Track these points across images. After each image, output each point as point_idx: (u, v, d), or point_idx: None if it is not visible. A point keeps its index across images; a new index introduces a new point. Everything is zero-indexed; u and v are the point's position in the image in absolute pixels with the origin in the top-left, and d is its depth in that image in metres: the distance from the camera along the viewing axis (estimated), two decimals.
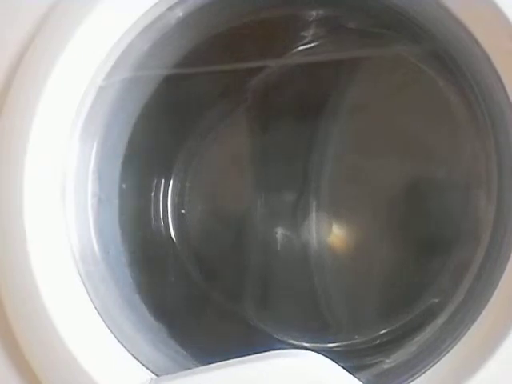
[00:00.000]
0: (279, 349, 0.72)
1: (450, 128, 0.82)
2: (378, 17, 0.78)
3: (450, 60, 0.68)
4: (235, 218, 0.93)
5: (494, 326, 0.61)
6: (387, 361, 0.69)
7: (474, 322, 0.62)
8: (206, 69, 0.81)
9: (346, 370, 0.63)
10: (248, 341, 0.85)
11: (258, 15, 0.81)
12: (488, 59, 0.62)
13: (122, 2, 0.69)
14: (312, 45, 0.88)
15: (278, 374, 0.61)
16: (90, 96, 0.71)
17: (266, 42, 0.84)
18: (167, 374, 0.68)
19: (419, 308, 0.82)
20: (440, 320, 0.68)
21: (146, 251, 0.86)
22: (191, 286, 0.91)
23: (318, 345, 0.86)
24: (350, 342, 0.85)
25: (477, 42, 0.62)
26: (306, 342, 0.86)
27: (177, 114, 0.88)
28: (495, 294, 0.61)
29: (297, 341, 0.87)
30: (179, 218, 0.92)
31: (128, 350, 0.69)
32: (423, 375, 0.63)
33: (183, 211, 0.92)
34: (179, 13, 0.72)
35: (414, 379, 0.63)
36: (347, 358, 0.76)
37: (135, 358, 0.69)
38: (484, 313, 0.62)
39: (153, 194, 0.91)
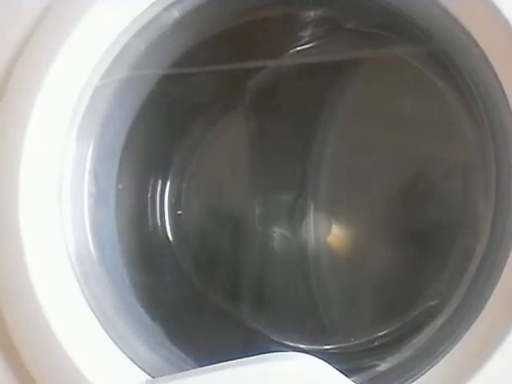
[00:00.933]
0: (275, 350, 0.72)
1: (448, 129, 0.82)
2: (376, 17, 0.78)
3: (448, 61, 0.68)
4: (232, 218, 0.93)
5: (491, 329, 0.60)
6: (383, 364, 0.68)
7: (471, 325, 0.61)
8: (202, 69, 0.80)
9: (342, 373, 0.62)
10: (244, 342, 0.85)
11: (255, 15, 0.81)
12: (486, 60, 0.62)
13: (119, 1, 0.69)
14: (310, 45, 0.87)
15: (273, 376, 0.61)
16: (86, 96, 0.71)
17: (263, 43, 0.84)
18: (162, 375, 0.68)
19: (416, 311, 0.82)
20: (437, 323, 0.68)
21: (142, 252, 0.85)
22: (188, 286, 0.91)
23: (314, 346, 0.86)
24: (346, 345, 0.85)
25: (475, 43, 0.62)
26: (303, 344, 0.86)
27: (174, 114, 0.88)
28: (492, 297, 0.61)
29: (293, 342, 0.87)
30: (176, 219, 0.92)
31: (123, 351, 0.69)
32: (419, 379, 0.63)
33: (180, 212, 0.92)
34: (176, 13, 0.72)
35: (410, 383, 0.63)
36: (343, 361, 0.76)
37: (131, 359, 0.69)
38: (481, 316, 0.61)
39: (149, 194, 0.91)
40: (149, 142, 0.86)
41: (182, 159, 0.92)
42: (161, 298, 0.84)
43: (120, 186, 0.81)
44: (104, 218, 0.77)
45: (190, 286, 0.91)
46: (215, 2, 0.73)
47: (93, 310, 0.69)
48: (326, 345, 0.86)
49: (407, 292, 0.85)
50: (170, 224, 0.92)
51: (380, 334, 0.84)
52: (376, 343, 0.84)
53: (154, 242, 0.90)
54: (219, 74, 0.83)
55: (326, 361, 0.63)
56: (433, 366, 0.63)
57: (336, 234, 0.92)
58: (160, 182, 0.92)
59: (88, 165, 0.74)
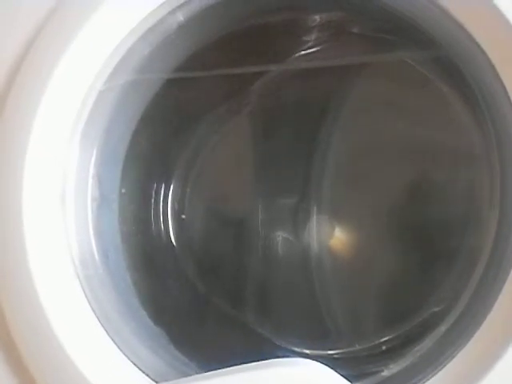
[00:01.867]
0: (279, 355, 0.72)
1: (452, 133, 0.82)
2: (381, 22, 0.78)
3: (453, 66, 0.67)
4: (236, 222, 0.93)
5: (496, 335, 0.60)
6: (387, 370, 0.68)
7: (475, 331, 0.61)
8: (207, 73, 0.80)
9: (346, 379, 0.62)
10: (248, 347, 0.85)
11: (259, 19, 0.81)
12: (492, 66, 0.61)
13: (123, 5, 0.69)
14: (314, 49, 0.87)
15: (278, 382, 0.61)
16: (90, 100, 0.71)
17: (268, 46, 0.84)
18: (165, 380, 0.68)
19: (420, 317, 0.82)
20: (441, 329, 0.67)
21: (145, 256, 0.85)
22: (191, 290, 0.91)
23: (318, 351, 0.85)
24: (350, 350, 0.85)
25: (481, 49, 0.62)
26: (307, 349, 0.86)
27: (177, 118, 0.88)
28: (497, 303, 0.61)
29: (297, 347, 0.86)
30: (179, 223, 0.92)
31: (127, 356, 0.69)
32: None
33: (183, 216, 0.92)
34: (180, 16, 0.72)
35: None
36: (347, 366, 0.76)
37: (133, 363, 0.69)
38: (486, 323, 0.61)
39: (153, 198, 0.90)
40: (152, 146, 0.86)
41: (185, 163, 0.92)
42: (164, 302, 0.84)
43: (123, 190, 0.81)
44: (107, 222, 0.77)
45: (193, 290, 0.90)
46: (220, 5, 0.73)
47: (96, 314, 0.69)
48: (330, 350, 0.86)
49: (411, 298, 0.85)
50: (174, 228, 0.91)
51: (384, 339, 0.84)
52: (380, 349, 0.83)
53: (157, 246, 0.90)
54: (223, 78, 0.83)
55: (330, 366, 0.63)
56: (437, 372, 0.63)
57: (339, 238, 0.92)
58: (163, 186, 0.91)
59: (91, 169, 0.74)
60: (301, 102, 0.90)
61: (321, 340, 0.88)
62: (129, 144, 0.80)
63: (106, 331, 0.69)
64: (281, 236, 0.92)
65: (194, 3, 0.72)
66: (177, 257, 0.91)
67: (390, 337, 0.84)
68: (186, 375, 0.69)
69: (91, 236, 0.73)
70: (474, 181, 0.79)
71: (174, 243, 0.91)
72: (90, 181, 0.74)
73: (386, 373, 0.68)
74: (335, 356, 0.85)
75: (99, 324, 0.69)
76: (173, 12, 0.71)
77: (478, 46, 0.62)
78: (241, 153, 0.93)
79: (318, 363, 0.63)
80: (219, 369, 0.64)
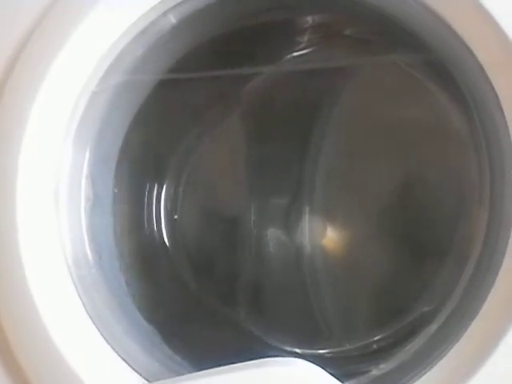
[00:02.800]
0: (271, 354, 0.72)
1: (443, 135, 0.82)
2: (374, 25, 0.78)
3: (444, 69, 0.68)
4: (228, 222, 0.93)
5: (486, 334, 0.60)
6: (378, 369, 0.68)
7: (466, 330, 0.61)
8: (199, 74, 0.80)
9: (336, 378, 0.62)
10: (240, 345, 0.85)
11: (252, 20, 0.81)
12: (482, 70, 0.62)
13: (116, 7, 0.69)
14: (307, 51, 0.88)
15: (268, 382, 0.61)
16: (83, 100, 0.71)
17: (260, 48, 0.84)
18: (158, 379, 0.68)
19: (411, 316, 0.82)
20: (432, 328, 0.67)
21: (138, 256, 0.85)
22: (184, 290, 0.91)
23: (309, 351, 0.86)
24: (341, 349, 0.85)
25: (471, 52, 0.62)
26: (298, 348, 0.86)
27: (170, 119, 0.88)
28: (487, 302, 0.61)
29: (289, 346, 0.87)
30: (172, 223, 0.92)
31: (120, 355, 0.69)
32: None
33: (176, 216, 0.92)
34: (173, 18, 0.72)
35: None
36: (338, 365, 0.76)
37: (127, 362, 0.69)
38: (476, 321, 0.61)
39: (146, 198, 0.90)
40: (145, 147, 0.86)
41: (178, 164, 0.92)
42: (157, 302, 0.84)
43: (116, 191, 0.81)
44: (101, 222, 0.77)
45: (186, 289, 0.91)
46: (212, 7, 0.73)
47: (89, 314, 0.69)
48: (320, 349, 0.86)
49: (402, 297, 0.85)
50: (167, 228, 0.92)
51: (375, 338, 0.84)
52: (371, 348, 0.84)
53: (150, 245, 0.90)
54: (215, 79, 0.83)
55: (320, 365, 0.63)
56: (428, 371, 0.63)
57: (331, 238, 0.92)
58: (156, 187, 0.91)
59: (85, 170, 0.74)
60: (293, 103, 0.91)
61: (312, 339, 0.88)
62: (122, 144, 0.80)
63: (99, 330, 0.69)
64: (273, 236, 0.92)
65: (186, 5, 0.72)
66: (170, 256, 0.91)
67: (381, 336, 0.84)
68: (179, 374, 0.69)
69: (84, 236, 0.74)
70: (464, 179, 0.79)
71: (167, 243, 0.91)
72: (84, 181, 0.74)
73: (376, 372, 0.68)
74: (326, 355, 0.85)
75: (92, 323, 0.69)
76: (165, 14, 0.72)
77: (468, 48, 0.62)
78: (233, 153, 0.93)
79: (309, 362, 0.63)
80: (212, 367, 0.64)
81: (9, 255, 0.67)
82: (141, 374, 0.68)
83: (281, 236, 0.92)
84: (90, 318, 0.69)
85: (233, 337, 0.88)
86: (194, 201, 0.93)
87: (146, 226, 0.90)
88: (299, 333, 0.88)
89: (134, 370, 0.69)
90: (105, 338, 0.69)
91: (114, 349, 0.69)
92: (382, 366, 0.69)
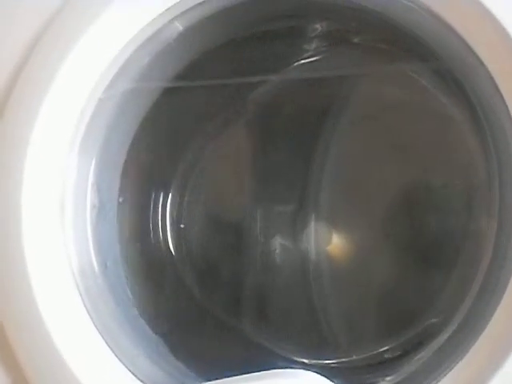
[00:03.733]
0: (278, 364, 0.72)
1: (451, 144, 0.82)
2: (382, 33, 0.78)
3: (453, 79, 0.67)
4: (234, 231, 0.93)
5: (495, 346, 0.60)
6: (385, 381, 0.68)
7: (474, 342, 0.61)
8: (205, 82, 0.80)
9: None
10: (246, 355, 0.85)
11: (259, 28, 0.81)
12: (491, 79, 0.61)
13: (123, 15, 0.69)
14: (314, 59, 0.87)
15: None
16: (89, 108, 0.71)
17: (267, 55, 0.84)
18: None
19: (418, 327, 0.81)
20: (440, 340, 0.67)
21: (144, 264, 0.85)
22: (190, 299, 0.90)
23: (316, 361, 0.85)
24: (348, 359, 0.85)
25: (480, 61, 0.62)
26: (305, 358, 0.86)
27: (176, 127, 0.88)
28: (496, 314, 0.61)
29: (295, 356, 0.86)
30: (178, 232, 0.91)
31: (125, 365, 0.69)
32: None
33: (182, 225, 0.92)
34: (179, 26, 0.72)
35: None
36: (345, 376, 0.76)
37: (132, 372, 0.69)
38: (485, 333, 0.61)
39: (152, 207, 0.90)
40: (151, 155, 0.86)
41: (184, 172, 0.92)
42: (163, 311, 0.84)
43: (122, 199, 0.81)
44: (106, 230, 0.77)
45: (192, 298, 0.90)
46: (219, 15, 0.73)
47: (94, 323, 0.69)
48: (328, 360, 0.85)
49: (410, 308, 0.84)
50: (172, 237, 0.91)
51: (382, 349, 0.84)
52: (378, 359, 0.83)
53: (156, 254, 0.90)
54: (222, 87, 0.83)
55: (328, 376, 0.63)
56: (436, 383, 0.62)
57: (337, 246, 0.92)
58: (162, 195, 0.91)
59: (91, 178, 0.74)
60: (299, 111, 0.90)
61: (319, 349, 0.87)
62: (128, 152, 0.80)
63: (105, 340, 0.69)
64: (279, 243, 0.92)
65: (193, 13, 0.72)
66: (175, 266, 0.91)
67: (389, 347, 0.83)
68: None
69: (90, 245, 0.73)
70: (473, 191, 0.79)
71: (173, 252, 0.91)
72: (89, 189, 0.74)
73: (384, 383, 0.68)
74: (333, 366, 0.85)
75: (97, 333, 0.69)
76: (172, 21, 0.71)
77: (478, 58, 0.62)
78: (239, 161, 0.93)
79: (316, 374, 0.63)
80: (218, 377, 0.64)
81: (14, 264, 0.67)
82: None
83: (286, 244, 0.92)
84: (96, 327, 0.69)
85: (239, 346, 0.87)
86: (199, 209, 0.93)
87: (151, 234, 0.90)
88: (306, 343, 0.88)
89: (139, 379, 0.68)
90: (110, 348, 0.69)
91: (119, 358, 0.69)
92: (389, 378, 0.68)
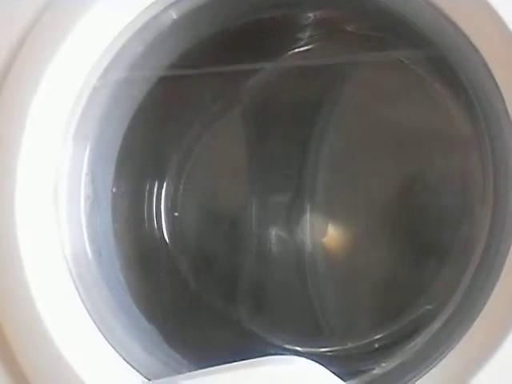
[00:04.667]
0: (272, 352, 0.72)
1: (446, 132, 0.82)
2: (376, 20, 0.78)
3: (447, 65, 0.68)
4: (229, 220, 0.93)
5: (489, 333, 0.60)
6: (380, 367, 0.68)
7: (468, 329, 0.61)
8: (200, 71, 0.80)
9: (338, 377, 0.62)
10: (241, 344, 0.85)
11: (253, 16, 0.81)
12: (486, 65, 0.62)
13: (117, 3, 0.69)
14: (308, 47, 0.87)
15: (270, 380, 0.61)
16: (83, 96, 0.70)
17: (261, 44, 0.83)
18: (159, 377, 0.68)
19: (413, 314, 0.82)
20: (434, 327, 0.67)
21: (139, 253, 0.85)
22: (184, 288, 0.90)
23: (311, 349, 0.85)
24: (342, 347, 0.85)
25: (474, 48, 0.62)
26: (299, 346, 0.86)
27: (171, 116, 0.88)
28: (490, 300, 0.61)
29: (290, 344, 0.86)
30: (172, 220, 0.92)
31: (119, 353, 0.69)
32: (416, 382, 0.63)
33: (176, 213, 0.92)
34: (173, 14, 0.72)
35: None
36: (340, 364, 0.76)
37: (127, 361, 0.69)
38: (479, 320, 0.61)
39: (146, 195, 0.90)
40: (146, 144, 0.86)
41: (178, 161, 0.92)
42: (157, 300, 0.84)
43: (116, 188, 0.81)
44: (100, 219, 0.77)
45: (186, 287, 0.90)
46: (213, 3, 0.73)
47: (89, 312, 0.69)
48: (322, 347, 0.86)
49: (404, 296, 0.85)
50: (167, 226, 0.91)
51: (377, 337, 0.84)
52: (373, 347, 0.83)
53: (150, 243, 0.90)
54: (216, 76, 0.83)
55: (322, 364, 0.63)
56: (430, 369, 0.63)
57: (332, 236, 0.92)
58: (157, 184, 0.91)
59: (85, 166, 0.74)
60: (294, 100, 0.90)
61: (313, 337, 0.88)
62: (122, 141, 0.80)
63: (99, 329, 0.68)
64: (274, 233, 0.92)
65: (187, 1, 0.72)
66: (170, 254, 0.91)
67: (383, 334, 0.84)
68: (179, 373, 0.69)
69: (84, 233, 0.73)
70: (467, 176, 0.79)
71: (167, 241, 0.91)
72: (84, 178, 0.74)
73: (378, 370, 0.68)
74: (328, 354, 0.85)
75: (92, 321, 0.68)
76: (166, 9, 0.71)
77: (472, 45, 0.62)
78: (234, 150, 0.93)
79: (311, 361, 0.63)
80: (212, 366, 0.64)
81: (8, 253, 0.66)
82: (141, 373, 0.68)
83: (282, 234, 0.92)
84: (90, 316, 0.69)
85: (233, 335, 0.88)
86: (194, 198, 0.93)
87: (146, 223, 0.90)
88: (300, 331, 0.88)
89: (134, 368, 0.68)
90: (104, 337, 0.69)
91: (113, 347, 0.68)
92: (383, 364, 0.68)
